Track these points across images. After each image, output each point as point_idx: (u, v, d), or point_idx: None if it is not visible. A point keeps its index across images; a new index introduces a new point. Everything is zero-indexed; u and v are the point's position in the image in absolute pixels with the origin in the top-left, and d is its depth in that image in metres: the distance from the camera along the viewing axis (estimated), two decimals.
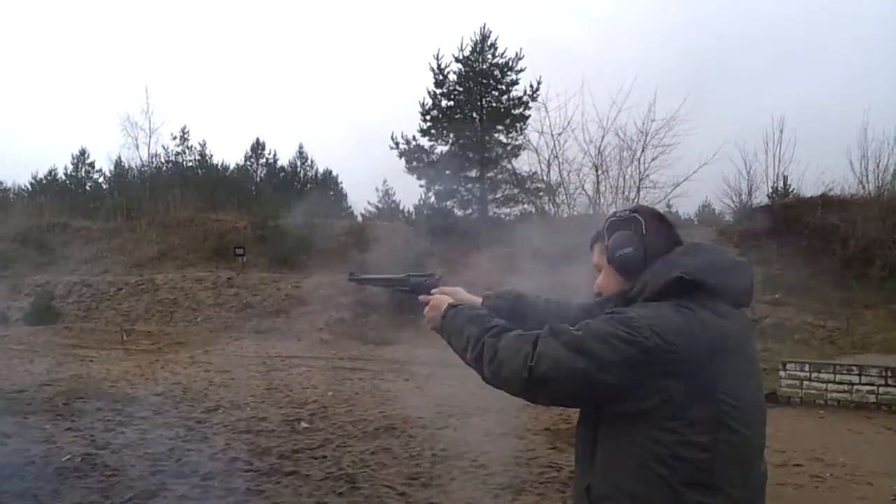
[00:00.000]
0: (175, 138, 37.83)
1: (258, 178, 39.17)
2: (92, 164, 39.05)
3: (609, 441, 1.64)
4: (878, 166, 20.18)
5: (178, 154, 38.09)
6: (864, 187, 20.28)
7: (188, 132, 38.07)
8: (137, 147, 35.14)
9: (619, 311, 1.65)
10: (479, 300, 2.00)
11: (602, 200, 23.58)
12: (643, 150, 22.80)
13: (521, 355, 1.62)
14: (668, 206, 22.93)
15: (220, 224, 25.71)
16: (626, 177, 23.15)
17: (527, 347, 1.62)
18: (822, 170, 28.97)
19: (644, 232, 1.79)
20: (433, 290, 2.05)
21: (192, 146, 38.54)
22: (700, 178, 21.46)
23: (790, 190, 21.83)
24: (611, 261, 1.82)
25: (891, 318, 14.40)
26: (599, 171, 23.50)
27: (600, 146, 23.37)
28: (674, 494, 1.55)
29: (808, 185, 19.69)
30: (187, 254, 24.49)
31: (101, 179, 39.23)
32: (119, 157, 37.21)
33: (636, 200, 23.20)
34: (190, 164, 38.48)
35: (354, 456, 6.76)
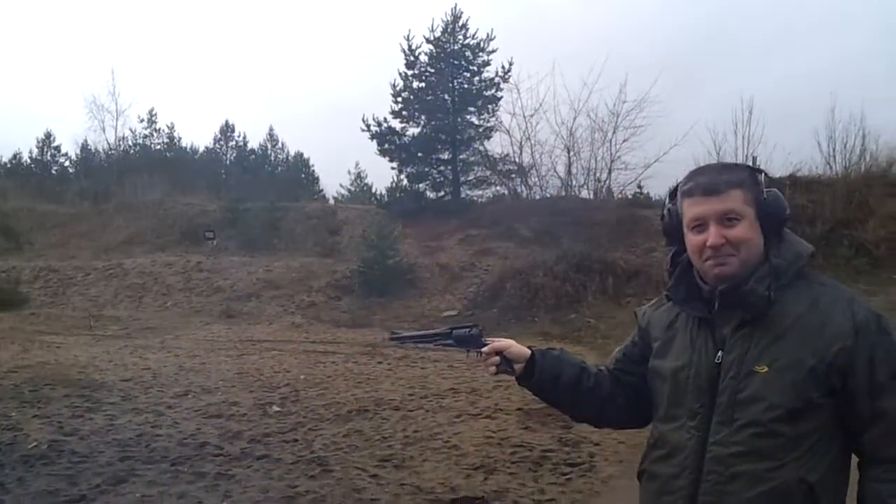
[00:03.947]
0: (143, 121, 37.43)
1: (228, 161, 38.84)
2: (58, 148, 38.45)
3: None
4: (844, 147, 20.46)
5: (145, 137, 37.71)
6: (831, 168, 20.57)
7: (156, 114, 37.69)
8: (104, 130, 34.73)
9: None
10: (527, 351, 1.98)
11: (574, 182, 23.75)
12: (614, 132, 23.00)
13: None
14: (640, 187, 23.11)
15: (190, 208, 25.41)
16: (598, 158, 23.36)
17: None
18: (789, 151, 29.25)
19: None
20: (484, 341, 2.04)
21: (160, 129, 38.18)
22: (671, 160, 21.63)
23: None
24: (770, 217, 1.72)
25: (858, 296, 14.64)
26: (571, 153, 23.66)
27: (572, 128, 23.54)
28: None
29: (776, 165, 19.83)
30: (156, 238, 24.19)
31: (66, 163, 38.62)
32: (85, 141, 36.75)
33: (608, 182, 23.39)
34: (158, 147, 38.11)
35: (326, 439, 6.75)
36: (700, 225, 1.73)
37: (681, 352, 1.79)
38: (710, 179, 1.74)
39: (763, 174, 1.74)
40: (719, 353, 1.70)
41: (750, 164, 1.83)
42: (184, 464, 5.90)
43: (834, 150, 20.54)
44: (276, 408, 8.04)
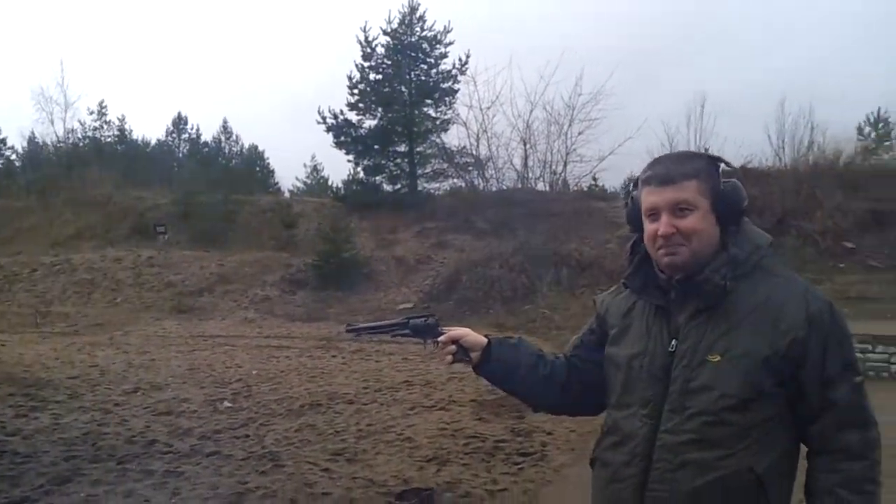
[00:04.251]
0: (92, 113, 36.57)
1: (181, 154, 38.21)
2: (3, 141, 37.24)
3: None
4: (794, 139, 20.99)
5: (95, 129, 36.88)
6: (780, 160, 21.07)
7: (106, 106, 36.88)
8: (52, 122, 33.81)
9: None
10: (484, 340, 1.97)
11: (530, 174, 23.90)
12: (570, 125, 23.18)
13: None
14: (595, 179, 23.38)
15: (141, 201, 24.89)
16: (554, 151, 23.55)
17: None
18: (740, 143, 29.86)
19: None
20: (441, 330, 2.02)
21: (110, 121, 37.38)
22: (625, 153, 21.99)
23: None
24: (725, 207, 1.71)
25: None
26: (527, 146, 23.81)
27: (528, 120, 23.68)
28: None
29: (728, 157, 20.11)
30: (106, 232, 23.64)
31: (13, 157, 37.52)
32: (32, 134, 35.76)
33: (563, 174, 23.58)
34: (108, 139, 37.33)
35: (278, 434, 6.69)
36: (654, 214, 1.73)
37: (636, 340, 1.79)
38: (666, 169, 1.74)
39: (722, 164, 1.74)
40: (673, 342, 1.71)
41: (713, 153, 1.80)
42: (131, 462, 5.79)
43: (783, 142, 21.06)
44: (227, 403, 7.94)
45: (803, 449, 1.72)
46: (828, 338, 1.64)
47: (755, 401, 1.62)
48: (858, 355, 9.06)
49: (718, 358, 1.64)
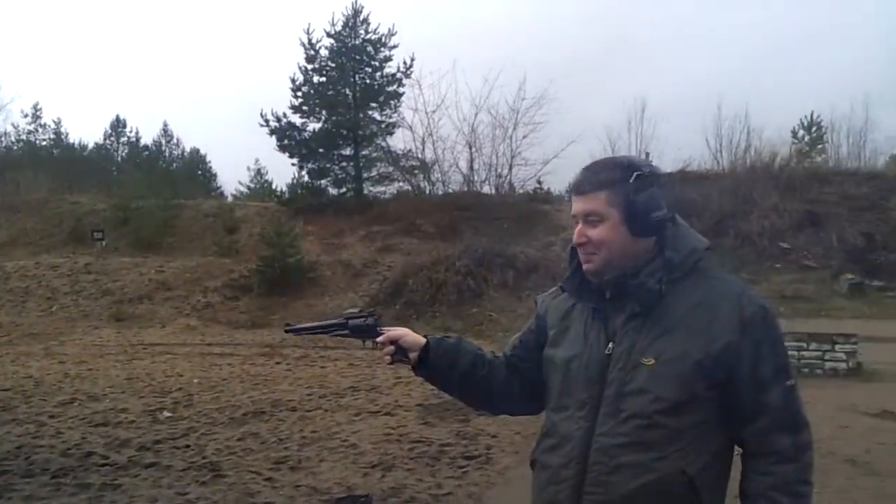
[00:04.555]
0: (26, 116, 35.53)
1: (119, 158, 37.36)
2: None
3: None
4: (730, 143, 21.61)
5: (30, 132, 35.85)
6: (718, 163, 21.63)
7: (41, 109, 35.88)
8: None
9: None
10: (422, 340, 1.95)
11: (476, 178, 24.02)
12: (514, 128, 23.36)
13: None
14: (539, 182, 23.61)
15: (77, 206, 24.14)
16: (499, 154, 23.70)
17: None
18: (680, 146, 30.63)
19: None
20: (380, 330, 2.00)
21: (45, 124, 36.43)
22: (569, 156, 22.19)
23: None
24: (636, 219, 1.70)
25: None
26: (473, 149, 23.93)
27: (473, 124, 23.78)
28: None
29: (667, 161, 20.78)
30: (41, 239, 22.87)
31: None
32: None
33: (509, 177, 23.76)
34: (44, 142, 36.33)
35: (220, 443, 6.57)
36: (576, 220, 1.77)
37: (574, 342, 1.80)
38: (581, 179, 1.77)
39: (636, 175, 1.70)
40: (610, 345, 1.72)
41: (641, 159, 1.81)
42: (66, 476, 5.61)
43: (721, 145, 21.64)
44: (167, 413, 7.77)
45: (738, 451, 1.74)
46: (761, 342, 1.66)
47: (688, 404, 1.63)
48: (794, 353, 9.43)
49: (653, 361, 1.65)
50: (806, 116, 29.76)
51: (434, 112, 24.08)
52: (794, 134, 29.27)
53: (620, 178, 1.71)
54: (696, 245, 1.76)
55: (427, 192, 24.24)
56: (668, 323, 1.68)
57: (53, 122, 36.87)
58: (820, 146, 27.96)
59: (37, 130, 36.06)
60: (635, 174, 1.70)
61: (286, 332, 2.20)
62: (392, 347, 1.96)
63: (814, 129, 29.55)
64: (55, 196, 25.19)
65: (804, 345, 9.56)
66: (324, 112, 24.01)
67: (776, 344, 1.69)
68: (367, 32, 24.01)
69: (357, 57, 24.00)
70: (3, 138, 33.70)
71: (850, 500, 4.87)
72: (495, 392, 1.98)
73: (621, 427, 1.65)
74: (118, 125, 37.39)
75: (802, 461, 1.66)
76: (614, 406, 1.67)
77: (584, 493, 1.68)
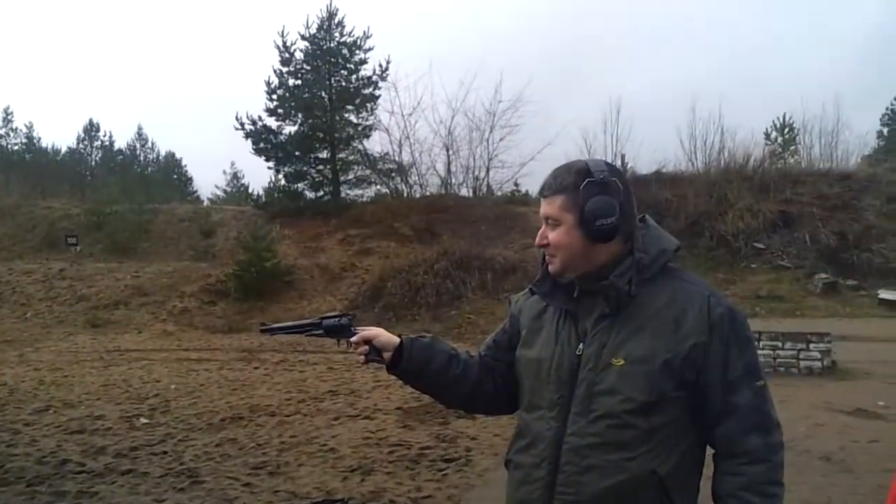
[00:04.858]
0: None
1: (93, 162, 36.97)
2: None
3: None
4: (705, 144, 21.81)
5: (1, 137, 35.27)
6: (693, 164, 21.83)
7: (12, 113, 35.42)
8: None
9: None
10: (396, 339, 1.96)
11: (453, 180, 24.05)
12: (491, 131, 23.43)
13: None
14: (516, 184, 23.70)
15: (51, 211, 23.80)
16: (476, 157, 23.76)
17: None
18: (655, 148, 30.89)
19: (620, 200, 1.72)
20: (354, 330, 2.00)
21: (17, 128, 35.91)
22: (545, 158, 22.27)
23: (627, 167, 23.09)
24: (585, 224, 1.71)
25: (716, 285, 15.57)
26: (450, 152, 23.97)
27: (450, 126, 23.82)
28: None
29: (643, 162, 21.05)
30: (13, 245, 22.52)
31: None
32: None
33: (486, 180, 23.82)
34: (15, 147, 35.85)
35: (197, 449, 6.52)
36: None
37: (545, 343, 1.81)
38: (545, 182, 1.81)
39: (586, 182, 1.71)
40: (580, 346, 1.74)
41: (602, 164, 1.77)
42: (42, 484, 5.55)
43: (695, 146, 21.84)
44: (144, 420, 7.70)
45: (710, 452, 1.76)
46: (729, 342, 1.68)
47: (657, 404, 1.65)
48: (769, 352, 9.52)
49: (622, 362, 1.67)
50: (778, 118, 30.19)
51: (410, 115, 24.11)
52: (767, 135, 29.68)
53: (574, 183, 1.73)
54: (666, 246, 1.79)
55: (404, 194, 24.21)
56: (638, 324, 1.70)
57: (25, 126, 36.49)
58: (792, 147, 28.37)
59: (8, 135, 35.68)
60: (585, 181, 1.72)
61: (261, 331, 2.22)
62: (366, 347, 1.96)
63: (786, 130, 29.96)
64: (28, 201, 24.84)
65: (779, 344, 9.66)
66: (300, 115, 23.87)
67: (745, 344, 1.71)
68: (342, 35, 23.91)
69: (332, 59, 23.90)
70: None
71: (824, 497, 4.94)
72: (469, 391, 1.99)
73: (591, 427, 1.67)
74: (91, 129, 37.02)
75: (773, 461, 1.68)
76: (584, 406, 1.69)
77: (556, 493, 1.70)
